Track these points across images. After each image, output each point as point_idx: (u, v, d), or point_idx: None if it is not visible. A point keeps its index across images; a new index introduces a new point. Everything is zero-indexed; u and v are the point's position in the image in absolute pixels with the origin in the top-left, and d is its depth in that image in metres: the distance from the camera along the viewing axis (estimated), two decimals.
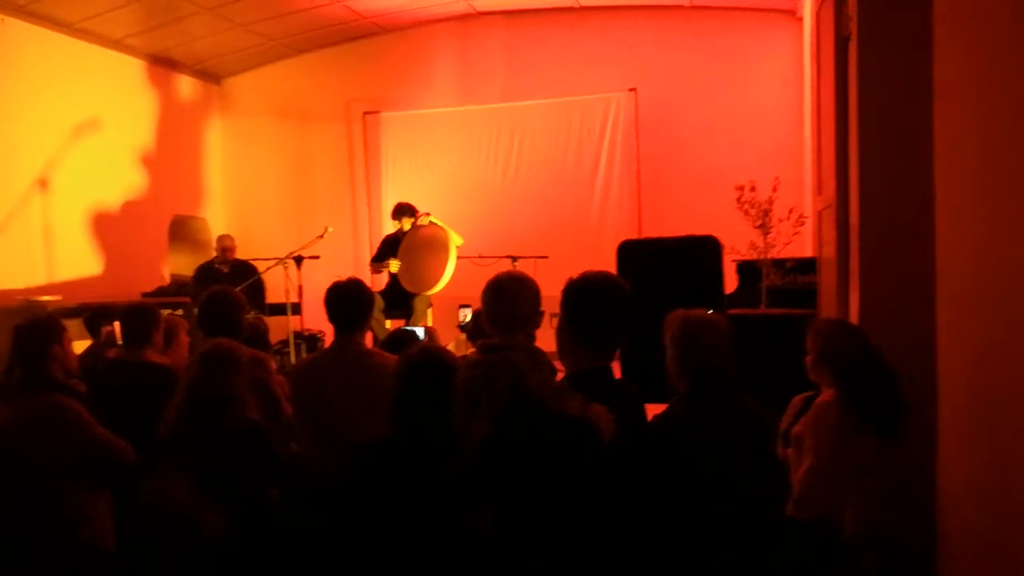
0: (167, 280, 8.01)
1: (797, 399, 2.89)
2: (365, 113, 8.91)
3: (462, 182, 8.49)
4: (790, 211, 5.03)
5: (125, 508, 2.95)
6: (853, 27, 3.45)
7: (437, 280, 6.70)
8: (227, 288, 3.73)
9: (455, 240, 6.81)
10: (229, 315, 3.51)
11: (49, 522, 2.84)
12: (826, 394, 2.57)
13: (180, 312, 6.14)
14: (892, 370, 2.48)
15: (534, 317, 2.67)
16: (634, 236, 7.05)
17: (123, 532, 2.96)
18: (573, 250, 7.21)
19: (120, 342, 3.68)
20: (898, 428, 2.39)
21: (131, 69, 8.05)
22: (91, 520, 2.89)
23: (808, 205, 5.63)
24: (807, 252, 5.53)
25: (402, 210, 7.04)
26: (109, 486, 2.97)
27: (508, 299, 2.61)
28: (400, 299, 6.79)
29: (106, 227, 7.60)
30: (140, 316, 3.58)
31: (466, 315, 5.51)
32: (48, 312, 3.93)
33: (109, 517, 2.96)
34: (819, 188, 4.75)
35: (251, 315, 4.37)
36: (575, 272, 2.45)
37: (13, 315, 5.85)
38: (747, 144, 7.34)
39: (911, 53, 3.07)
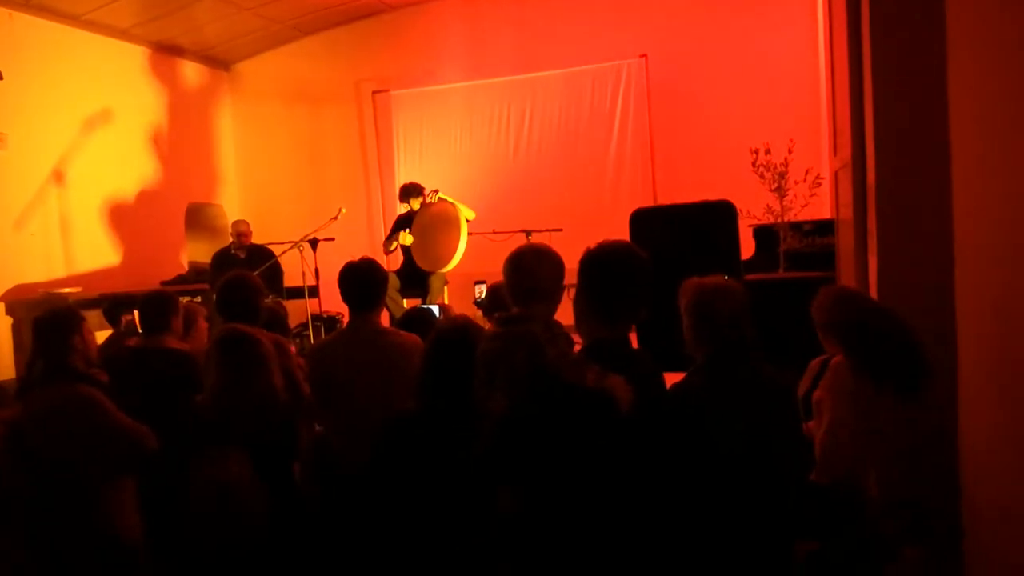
0: (185, 268, 8.07)
1: (814, 363, 2.87)
2: (374, 92, 8.88)
3: (475, 157, 8.45)
4: (806, 173, 4.97)
5: (177, 491, 2.97)
6: None
7: (451, 256, 6.70)
8: (244, 273, 3.74)
9: (466, 213, 6.79)
10: (247, 300, 3.54)
11: (74, 512, 2.88)
12: (837, 357, 2.55)
13: (199, 299, 6.19)
14: (904, 330, 2.44)
15: (555, 291, 2.64)
16: (649, 204, 6.99)
17: (177, 514, 2.98)
18: (588, 221, 7.17)
19: (140, 330, 3.71)
20: (916, 389, 2.36)
21: (139, 58, 8.07)
22: (115, 508, 2.92)
23: (825, 166, 5.55)
24: (825, 214, 5.46)
25: (409, 191, 7.02)
26: (133, 474, 3.00)
27: (527, 272, 2.60)
28: (416, 278, 6.81)
29: (122, 217, 7.66)
30: (159, 304, 3.61)
31: (481, 291, 5.50)
32: (67, 303, 3.96)
33: (134, 505, 2.99)
34: (835, 148, 4.68)
35: (270, 299, 4.39)
36: (590, 243, 2.43)
37: (35, 308, 5.96)
38: (761, 106, 7.24)
39: (924, 4, 3.00)
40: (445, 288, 6.97)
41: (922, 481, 2.36)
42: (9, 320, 6.28)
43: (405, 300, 6.79)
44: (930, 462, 2.39)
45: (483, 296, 5.18)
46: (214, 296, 6.19)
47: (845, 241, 4.15)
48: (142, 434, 2.98)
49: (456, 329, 2.47)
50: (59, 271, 6.95)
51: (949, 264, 2.84)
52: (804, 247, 4.81)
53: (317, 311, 6.55)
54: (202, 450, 2.78)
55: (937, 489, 2.42)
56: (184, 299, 4.28)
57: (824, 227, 4.86)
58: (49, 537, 2.90)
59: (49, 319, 3.09)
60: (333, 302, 6.42)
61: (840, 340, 2.52)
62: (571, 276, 2.57)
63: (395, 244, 6.99)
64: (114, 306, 4.81)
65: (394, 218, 7.58)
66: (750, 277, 4.60)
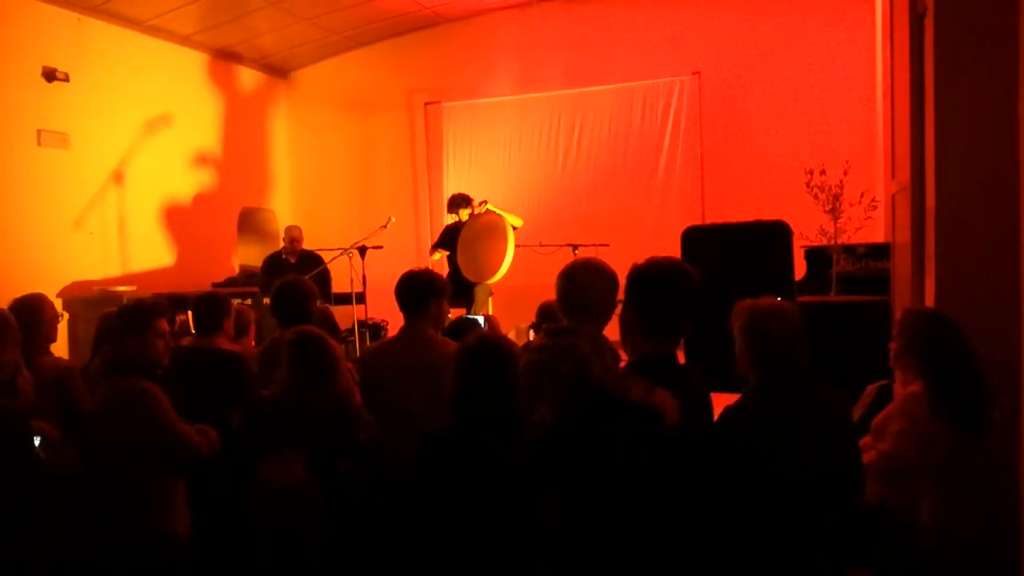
0: (236, 270, 8.21)
1: (871, 388, 2.81)
2: (426, 103, 8.96)
3: (523, 170, 8.48)
4: (861, 195, 4.89)
5: (241, 490, 3.00)
6: (929, 1, 3.32)
7: (497, 268, 6.70)
8: (298, 277, 3.81)
9: (513, 221, 6.79)
10: (301, 304, 3.58)
11: (118, 506, 2.92)
12: (913, 385, 2.48)
13: (248, 302, 6.29)
14: (977, 363, 2.39)
15: (606, 306, 2.61)
16: (697, 222, 6.93)
17: (241, 513, 3.01)
18: (635, 237, 7.15)
19: (192, 331, 3.78)
20: (982, 422, 2.29)
21: (200, 64, 8.26)
22: (161, 506, 2.94)
23: (880, 188, 5.45)
24: (879, 237, 5.36)
25: (457, 202, 7.07)
26: (182, 474, 3.03)
27: (578, 287, 2.58)
28: (461, 288, 6.83)
29: (178, 219, 7.83)
30: (212, 305, 3.67)
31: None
32: (144, 299, 4.02)
33: (183, 504, 3.01)
34: (893, 171, 4.59)
35: (319, 304, 4.45)
36: (637, 259, 2.41)
37: (90, 305, 6.11)
38: (816, 126, 7.14)
39: (991, 27, 2.94)
40: (490, 299, 6.98)
41: (978, 511, 2.29)
42: (65, 316, 6.45)
43: (450, 310, 6.81)
44: (988, 492, 2.32)
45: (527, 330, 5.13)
46: (264, 299, 6.29)
47: (902, 265, 4.07)
48: (195, 438, 2.99)
49: (482, 341, 2.47)
50: (115, 270, 7.12)
51: (1013, 290, 2.76)
52: (857, 270, 4.72)
53: (363, 318, 6.60)
54: (265, 452, 2.82)
55: (993, 520, 2.34)
56: (235, 302, 4.36)
57: (878, 251, 4.77)
58: (89, 530, 2.94)
59: (124, 311, 3.12)
60: (379, 309, 6.49)
61: (921, 364, 2.45)
62: (619, 290, 2.55)
63: (432, 257, 7.09)
64: (169, 306, 4.90)
65: (441, 228, 7.62)
66: (801, 299, 4.53)
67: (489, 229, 6.86)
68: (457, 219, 7.07)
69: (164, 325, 3.13)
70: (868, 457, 2.48)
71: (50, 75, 6.45)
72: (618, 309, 2.49)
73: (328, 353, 2.91)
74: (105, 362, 3.10)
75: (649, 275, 2.31)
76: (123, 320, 3.09)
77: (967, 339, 2.45)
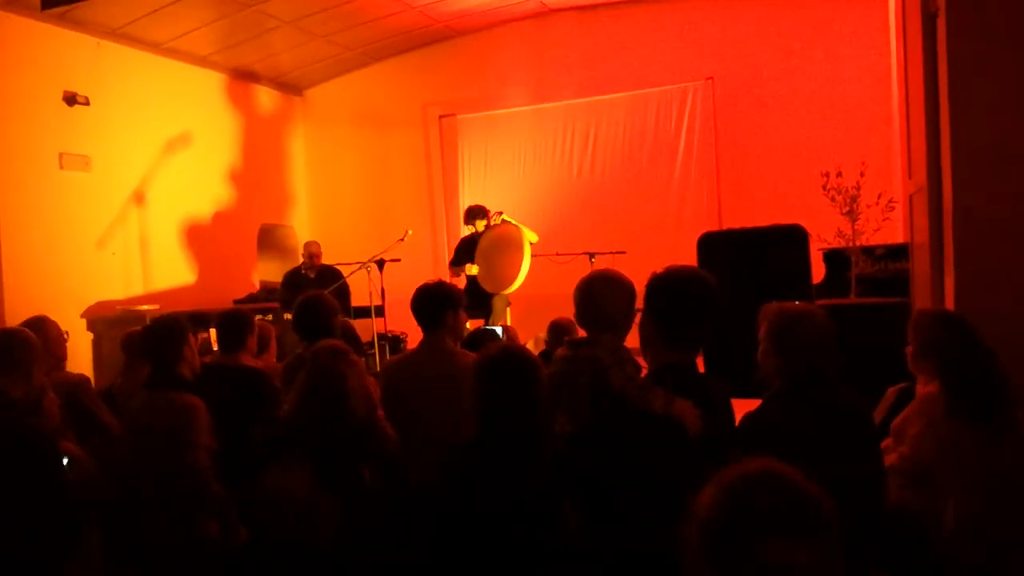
0: (256, 287, 8.28)
1: (892, 391, 2.80)
2: (441, 116, 9.03)
3: (539, 180, 8.51)
4: (879, 196, 4.87)
5: (245, 501, 3.03)
6: (941, 1, 3.32)
7: (514, 278, 6.72)
8: (320, 293, 3.83)
9: (529, 237, 6.82)
10: (323, 319, 3.61)
11: (165, 515, 2.95)
12: (930, 386, 2.47)
13: (270, 317, 6.35)
14: (995, 362, 2.36)
15: (624, 318, 2.61)
16: (714, 228, 6.92)
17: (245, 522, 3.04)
18: (652, 244, 7.15)
19: (216, 348, 3.82)
20: (1003, 422, 2.28)
21: (217, 84, 8.37)
22: (196, 518, 2.97)
23: (898, 189, 5.43)
24: (898, 238, 5.33)
25: (474, 213, 7.10)
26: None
27: (595, 300, 2.58)
28: (479, 299, 6.85)
29: (198, 237, 7.92)
30: (235, 322, 3.71)
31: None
32: (176, 314, 4.08)
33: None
34: (909, 172, 4.58)
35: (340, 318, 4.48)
36: (654, 266, 2.42)
37: (114, 324, 6.19)
38: (831, 129, 7.12)
39: (1004, 25, 2.93)
40: (508, 310, 7.00)
41: (1002, 514, 2.27)
42: (90, 336, 6.53)
43: (469, 321, 6.84)
44: (1012, 495, 2.30)
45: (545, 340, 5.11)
46: (284, 315, 6.34)
47: (920, 266, 4.05)
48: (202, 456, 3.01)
49: (502, 353, 2.47)
50: (137, 289, 7.21)
51: None
52: (876, 272, 4.70)
53: (382, 330, 6.64)
54: (272, 463, 2.84)
55: (1019, 522, 2.32)
56: (256, 317, 4.40)
57: (897, 252, 4.74)
58: (127, 545, 2.97)
59: (162, 326, 3.17)
60: (398, 322, 6.53)
61: (936, 365, 2.43)
62: (637, 300, 2.56)
63: (461, 272, 7.07)
64: (191, 323, 4.96)
65: (458, 240, 7.66)
66: (820, 302, 4.51)
67: (505, 240, 6.88)
68: (474, 230, 7.10)
69: (193, 340, 3.19)
70: (889, 460, 2.47)
71: (71, 99, 6.57)
72: (637, 318, 2.49)
73: (342, 368, 2.92)
74: (148, 375, 3.13)
75: (667, 284, 2.31)
76: (164, 334, 3.12)
77: (980, 338, 2.43)
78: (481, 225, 7.04)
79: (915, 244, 4.36)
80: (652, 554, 1.95)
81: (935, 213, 3.59)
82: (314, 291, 3.82)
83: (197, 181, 8.03)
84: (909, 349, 2.60)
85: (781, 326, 2.32)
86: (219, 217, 8.24)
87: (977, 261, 3.11)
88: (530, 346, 5.63)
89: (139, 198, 7.27)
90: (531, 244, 6.83)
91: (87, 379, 3.78)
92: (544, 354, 4.15)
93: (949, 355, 2.40)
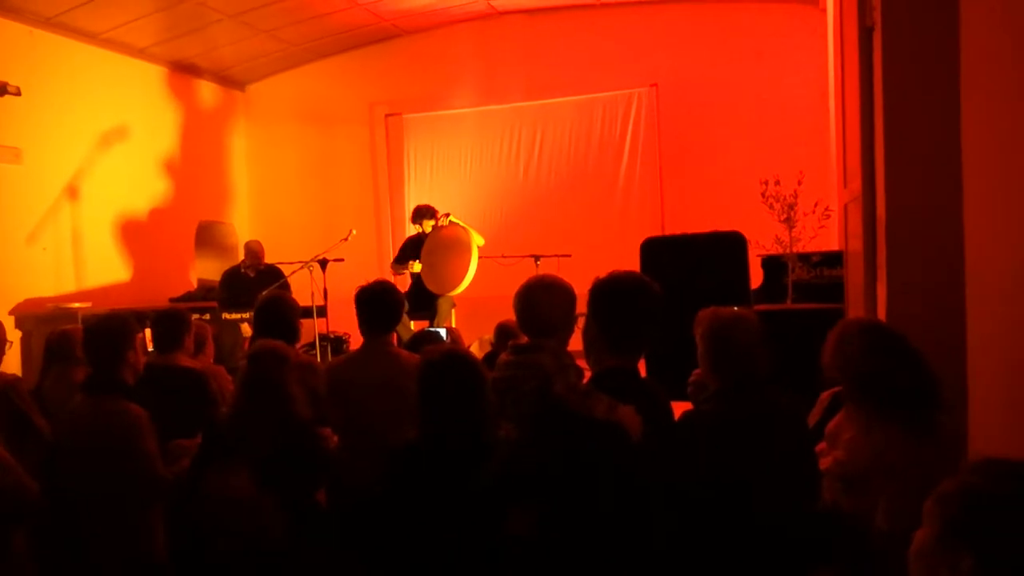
0: (194, 285, 8.11)
1: (825, 395, 2.86)
2: (387, 115, 8.96)
3: (485, 181, 8.52)
4: (815, 204, 4.99)
5: (186, 503, 2.95)
6: (877, 16, 3.41)
7: (460, 280, 6.71)
8: (281, 293, 3.76)
9: (476, 240, 6.82)
10: (285, 319, 3.54)
11: (97, 528, 2.87)
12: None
13: (207, 317, 6.22)
14: (907, 361, 2.41)
15: (566, 324, 2.62)
16: (657, 233, 7.02)
17: (184, 526, 2.96)
18: (597, 248, 7.21)
19: (151, 348, 3.73)
20: (924, 422, 2.34)
21: (156, 77, 8.17)
22: (140, 529, 2.90)
23: (834, 198, 5.57)
24: (833, 245, 5.47)
25: (422, 212, 7.06)
26: (151, 501, 2.98)
27: (535, 307, 2.58)
28: (424, 300, 6.82)
29: (134, 234, 7.71)
30: (171, 321, 3.63)
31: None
32: (122, 312, 3.93)
33: (160, 525, 2.96)
34: (845, 181, 4.71)
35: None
36: (599, 270, 2.44)
37: (44, 322, 5.99)
38: (771, 137, 7.29)
39: (937, 41, 3.02)
40: (453, 311, 6.98)
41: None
42: (18, 333, 6.31)
43: (413, 322, 6.81)
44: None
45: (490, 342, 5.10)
46: (223, 314, 6.22)
47: (854, 273, 4.16)
48: (163, 470, 2.93)
49: (445, 355, 2.45)
50: (69, 286, 6.99)
51: (960, 296, 2.84)
52: (812, 278, 4.82)
53: (324, 331, 6.56)
54: (213, 464, 2.78)
55: None
56: (193, 316, 4.31)
57: (832, 259, 4.87)
58: (59, 554, 2.88)
59: (107, 326, 3.02)
60: (341, 322, 6.46)
61: (840, 375, 2.49)
62: (581, 303, 2.57)
63: (405, 270, 7.02)
64: None
65: (403, 240, 7.61)
66: (758, 307, 4.61)
67: (453, 241, 6.86)
68: (420, 230, 7.06)
69: (141, 342, 3.08)
70: (824, 463, 2.52)
71: (1, 89, 6.32)
72: (580, 322, 2.51)
73: (283, 369, 2.88)
74: (86, 379, 3.01)
75: (610, 290, 2.34)
76: (107, 336, 3.00)
77: (902, 343, 2.48)
78: (428, 225, 7.00)
79: (849, 251, 4.48)
80: (596, 558, 1.97)
81: (868, 221, 3.69)
82: (276, 292, 3.76)
83: (133, 176, 7.82)
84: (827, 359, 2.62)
85: (715, 331, 2.37)
86: (156, 213, 8.03)
87: (908, 270, 3.20)
88: (475, 348, 5.63)
89: (72, 192, 7.05)
90: (478, 247, 6.82)
91: (19, 379, 3.64)
92: (490, 356, 4.15)
93: (842, 367, 2.42)
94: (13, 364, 6.12)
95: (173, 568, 2.91)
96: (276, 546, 2.62)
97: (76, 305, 6.46)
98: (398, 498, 2.32)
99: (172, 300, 7.21)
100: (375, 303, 3.32)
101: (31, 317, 6.34)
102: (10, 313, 6.35)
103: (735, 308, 2.50)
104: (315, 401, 3.18)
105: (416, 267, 6.91)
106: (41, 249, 6.75)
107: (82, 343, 3.06)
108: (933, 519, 1.29)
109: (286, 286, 6.59)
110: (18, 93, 6.40)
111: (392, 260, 7.45)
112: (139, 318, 4.70)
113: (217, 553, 2.66)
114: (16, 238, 6.54)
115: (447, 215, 7.02)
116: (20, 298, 6.49)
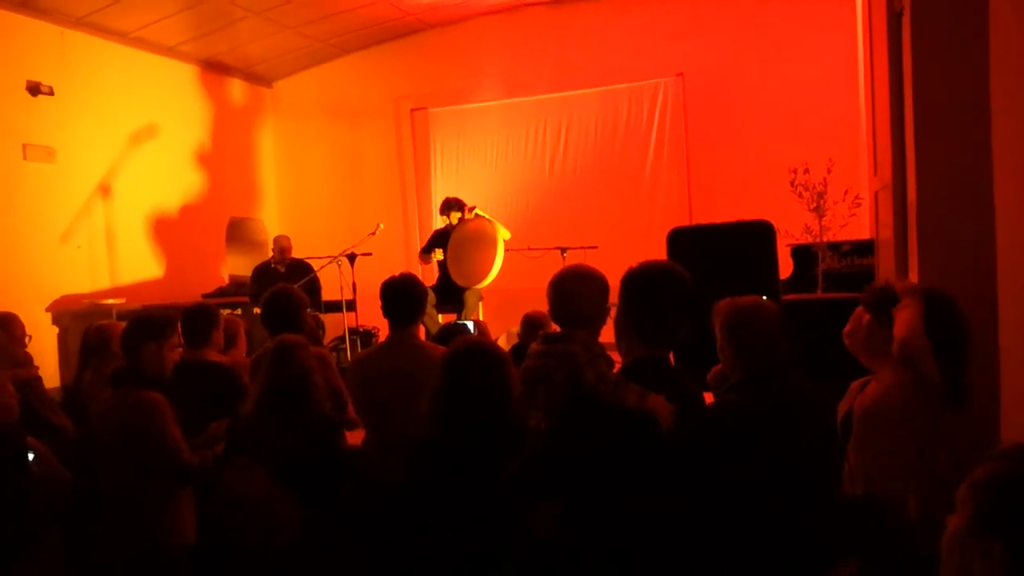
0: (225, 280, 8.21)
1: (855, 384, 2.84)
2: (413, 110, 8.99)
3: (511, 174, 8.52)
4: (845, 192, 4.94)
5: (204, 500, 3.02)
6: (905, 1, 3.37)
7: (486, 273, 6.72)
8: (288, 286, 3.80)
9: (502, 233, 6.82)
10: (292, 313, 3.58)
11: (121, 517, 2.93)
12: (886, 376, 2.50)
13: (239, 311, 6.29)
14: (953, 339, 2.37)
15: (597, 314, 2.60)
16: (684, 223, 6.97)
17: (202, 522, 3.03)
18: (623, 239, 7.18)
19: (181, 342, 3.77)
20: (961, 404, 2.31)
21: (185, 75, 8.26)
22: (165, 517, 2.95)
23: (864, 186, 5.51)
24: (864, 234, 5.41)
25: (450, 205, 7.08)
26: (177, 487, 3.04)
27: (568, 296, 2.58)
28: (451, 293, 6.85)
29: (165, 231, 7.82)
30: (200, 317, 3.66)
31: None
32: (162, 309, 4.01)
33: (189, 515, 3.02)
34: (875, 168, 4.65)
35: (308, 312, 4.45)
36: (626, 261, 2.43)
37: (80, 318, 6.10)
38: (799, 126, 7.20)
39: (966, 25, 2.98)
40: (480, 304, 7.00)
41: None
42: (55, 329, 6.44)
43: (440, 315, 6.84)
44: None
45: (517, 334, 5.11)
46: (254, 309, 6.29)
47: (885, 261, 4.12)
48: (188, 455, 2.99)
49: (469, 346, 2.46)
50: (103, 283, 7.11)
51: (991, 283, 2.80)
52: (843, 267, 4.76)
53: (354, 325, 6.62)
54: (233, 461, 2.82)
55: None
56: (224, 311, 4.36)
57: (863, 247, 4.82)
58: (90, 544, 2.94)
59: (137, 322, 3.13)
60: (369, 316, 6.50)
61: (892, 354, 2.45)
62: (611, 294, 2.56)
63: (432, 259, 7.05)
64: None
65: (430, 233, 7.64)
66: (788, 297, 4.57)
67: (479, 234, 6.87)
68: (448, 223, 7.08)
69: (176, 338, 3.13)
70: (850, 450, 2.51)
71: (35, 89, 6.44)
72: (612, 312, 2.50)
73: (305, 362, 2.90)
74: (112, 374, 3.08)
75: (642, 279, 2.33)
76: (142, 330, 3.07)
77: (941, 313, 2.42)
78: (456, 218, 7.02)
79: (880, 240, 4.43)
80: (625, 549, 1.97)
81: (899, 209, 3.65)
82: (282, 285, 3.79)
83: (164, 173, 7.92)
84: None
85: (733, 321, 2.36)
86: (187, 210, 8.13)
87: (940, 257, 3.16)
88: (502, 341, 5.64)
89: (105, 190, 7.16)
90: (504, 241, 6.83)
91: (38, 379, 3.72)
92: (517, 348, 4.16)
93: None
94: (51, 359, 6.26)
95: (198, 556, 2.97)
96: (290, 544, 2.65)
97: (111, 301, 6.57)
98: (422, 487, 2.34)
99: (204, 295, 7.30)
100: (399, 295, 3.34)
101: (67, 314, 6.46)
102: (47, 310, 6.47)
103: (760, 297, 2.48)
104: (333, 394, 3.21)
105: (439, 255, 6.95)
106: (76, 247, 6.87)
107: (121, 338, 3.13)
108: (966, 505, 1.29)
109: (315, 280, 6.66)
110: (51, 93, 6.51)
111: (420, 250, 7.49)
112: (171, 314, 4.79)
113: (232, 549, 2.70)
114: (51, 236, 6.66)
115: (473, 208, 7.03)
116: (56, 295, 6.61)
